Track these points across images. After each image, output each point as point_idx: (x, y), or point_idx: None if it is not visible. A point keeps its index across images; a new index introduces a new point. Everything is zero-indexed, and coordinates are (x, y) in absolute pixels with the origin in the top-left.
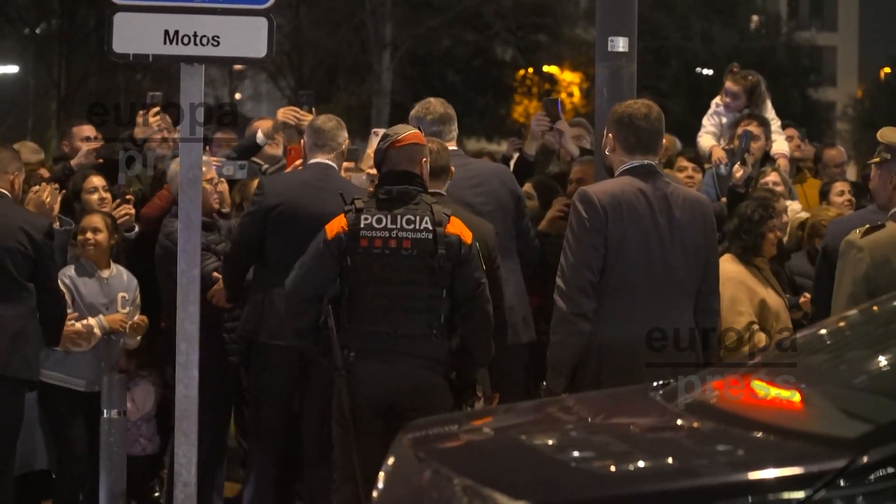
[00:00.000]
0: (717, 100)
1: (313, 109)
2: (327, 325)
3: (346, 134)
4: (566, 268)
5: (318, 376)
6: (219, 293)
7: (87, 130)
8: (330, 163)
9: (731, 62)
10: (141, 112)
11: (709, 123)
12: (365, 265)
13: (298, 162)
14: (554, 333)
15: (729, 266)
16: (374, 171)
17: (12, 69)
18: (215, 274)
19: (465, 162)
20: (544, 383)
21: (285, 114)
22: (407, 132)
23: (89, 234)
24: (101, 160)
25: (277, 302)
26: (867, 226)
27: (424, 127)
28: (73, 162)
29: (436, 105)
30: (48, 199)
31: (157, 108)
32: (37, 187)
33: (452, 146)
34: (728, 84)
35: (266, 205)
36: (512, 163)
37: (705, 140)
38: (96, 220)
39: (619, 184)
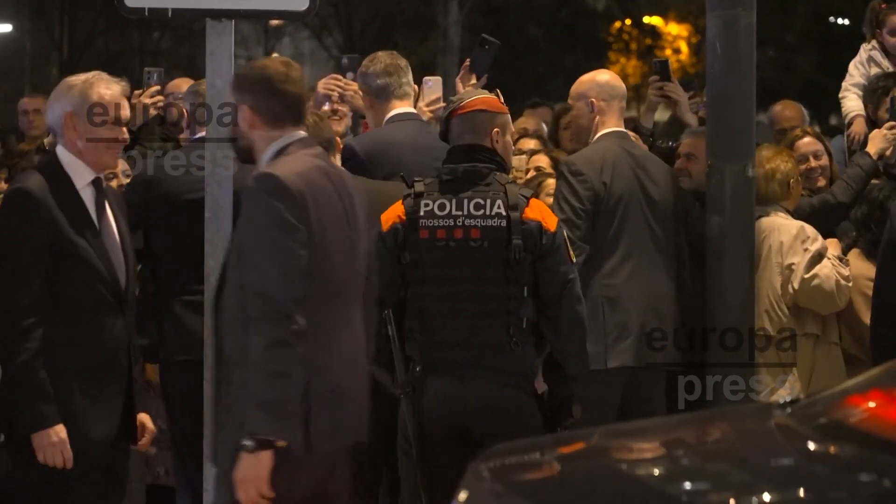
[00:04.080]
0: (867, 45)
1: None
2: (388, 336)
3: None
4: (269, 279)
5: None
6: None
7: None
8: None
9: (870, 9)
10: (136, 93)
11: (857, 73)
12: (427, 261)
13: None
14: (275, 364)
15: (855, 265)
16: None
17: (5, 28)
18: None
19: (426, 129)
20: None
21: (326, 84)
22: (473, 97)
23: None
24: None
25: (179, 311)
26: None
27: (369, 82)
28: (46, 141)
29: (382, 56)
30: None
31: (155, 88)
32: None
33: (407, 106)
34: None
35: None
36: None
37: (851, 101)
38: None
39: (301, 163)
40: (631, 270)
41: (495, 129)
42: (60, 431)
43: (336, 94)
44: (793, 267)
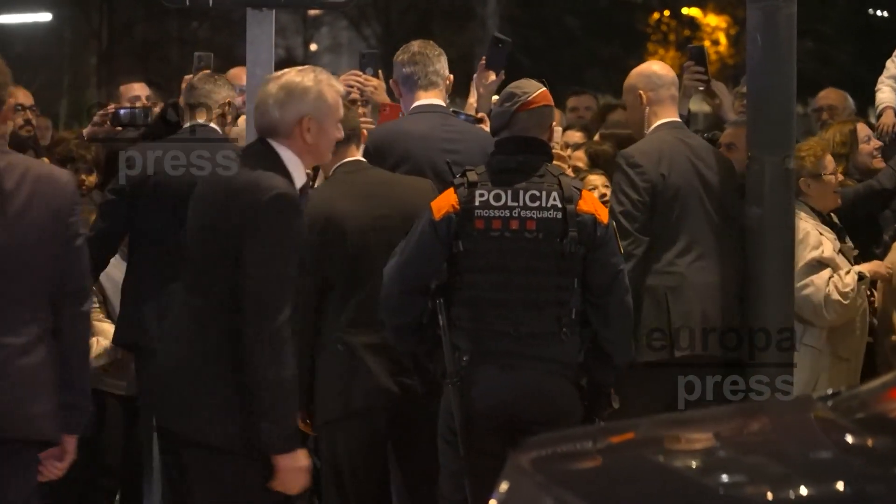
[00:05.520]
0: None
1: (380, 73)
2: (437, 323)
3: (227, 92)
4: None
5: None
6: None
7: (138, 89)
8: (212, 125)
9: None
10: (187, 78)
11: (893, 66)
12: (480, 251)
13: None
14: None
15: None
16: None
17: (44, 17)
18: None
19: (446, 122)
20: None
21: (346, 80)
22: (537, 90)
23: None
24: (119, 128)
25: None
26: None
27: (397, 71)
28: (84, 132)
29: (413, 44)
30: None
31: (206, 72)
32: None
33: (432, 97)
34: None
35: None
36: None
37: (884, 94)
38: None
39: None
40: (692, 260)
41: (553, 123)
42: None
43: (356, 90)
44: None
